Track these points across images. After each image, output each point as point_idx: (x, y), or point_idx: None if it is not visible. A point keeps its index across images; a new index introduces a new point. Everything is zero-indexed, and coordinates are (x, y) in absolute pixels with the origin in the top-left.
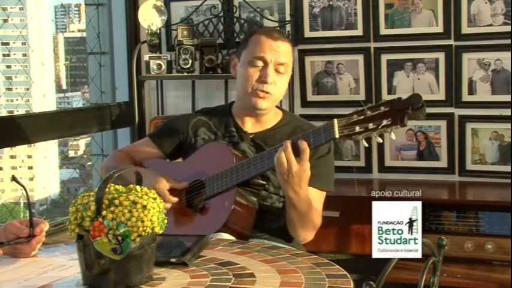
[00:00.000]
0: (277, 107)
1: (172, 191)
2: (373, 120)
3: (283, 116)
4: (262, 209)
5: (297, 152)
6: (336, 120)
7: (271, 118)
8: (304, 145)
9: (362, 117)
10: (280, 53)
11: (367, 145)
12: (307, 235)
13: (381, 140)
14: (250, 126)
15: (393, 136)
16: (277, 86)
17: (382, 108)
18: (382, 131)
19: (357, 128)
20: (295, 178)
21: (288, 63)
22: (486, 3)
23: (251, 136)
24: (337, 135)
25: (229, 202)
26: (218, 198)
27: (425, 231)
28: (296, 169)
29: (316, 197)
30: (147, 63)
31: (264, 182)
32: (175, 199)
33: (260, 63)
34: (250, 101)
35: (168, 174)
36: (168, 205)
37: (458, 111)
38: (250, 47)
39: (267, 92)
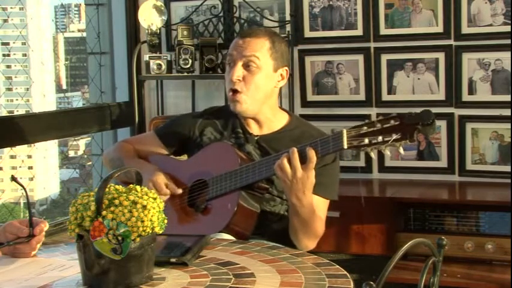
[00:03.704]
0: (283, 109)
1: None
2: (383, 133)
3: (290, 119)
4: (265, 211)
5: (303, 159)
6: (345, 131)
7: (276, 121)
8: (312, 153)
9: (371, 129)
10: (245, 48)
11: (374, 157)
12: (309, 243)
13: (388, 153)
14: (256, 128)
15: (401, 151)
16: (248, 83)
17: (392, 121)
18: (391, 145)
19: (366, 140)
20: (299, 184)
21: (259, 56)
22: (486, 3)
23: (256, 138)
24: (345, 146)
25: (232, 204)
26: (221, 199)
27: (425, 231)
28: (300, 175)
29: (320, 205)
30: (147, 63)
31: (267, 186)
32: (168, 192)
33: (231, 64)
34: (230, 106)
35: (172, 172)
36: (165, 197)
37: (458, 111)
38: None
39: (234, 92)
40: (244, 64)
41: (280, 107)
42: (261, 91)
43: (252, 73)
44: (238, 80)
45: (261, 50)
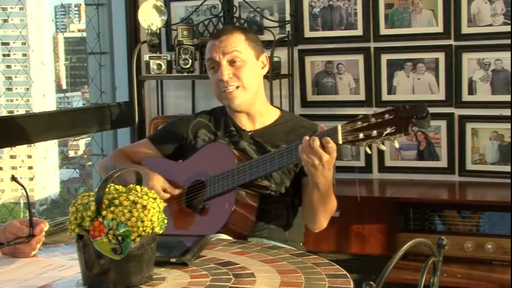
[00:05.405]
0: (275, 106)
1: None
2: (377, 127)
3: (282, 114)
4: (263, 209)
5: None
6: (339, 126)
7: (268, 115)
8: (329, 141)
9: (366, 124)
10: (224, 46)
11: (370, 152)
12: (324, 221)
13: (384, 148)
14: (248, 124)
15: (396, 144)
16: (239, 77)
17: (387, 115)
18: (386, 139)
19: (361, 135)
20: (326, 166)
21: (240, 49)
22: (486, 3)
23: (250, 134)
24: (340, 141)
25: (230, 204)
26: (218, 199)
27: (425, 231)
28: (327, 159)
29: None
30: (147, 63)
31: (265, 184)
32: (167, 195)
33: (215, 67)
34: (225, 103)
35: (169, 174)
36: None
37: (458, 111)
38: (205, 55)
39: (230, 89)
40: (229, 61)
41: (274, 105)
42: (253, 81)
43: (240, 67)
44: (230, 77)
45: (239, 43)
